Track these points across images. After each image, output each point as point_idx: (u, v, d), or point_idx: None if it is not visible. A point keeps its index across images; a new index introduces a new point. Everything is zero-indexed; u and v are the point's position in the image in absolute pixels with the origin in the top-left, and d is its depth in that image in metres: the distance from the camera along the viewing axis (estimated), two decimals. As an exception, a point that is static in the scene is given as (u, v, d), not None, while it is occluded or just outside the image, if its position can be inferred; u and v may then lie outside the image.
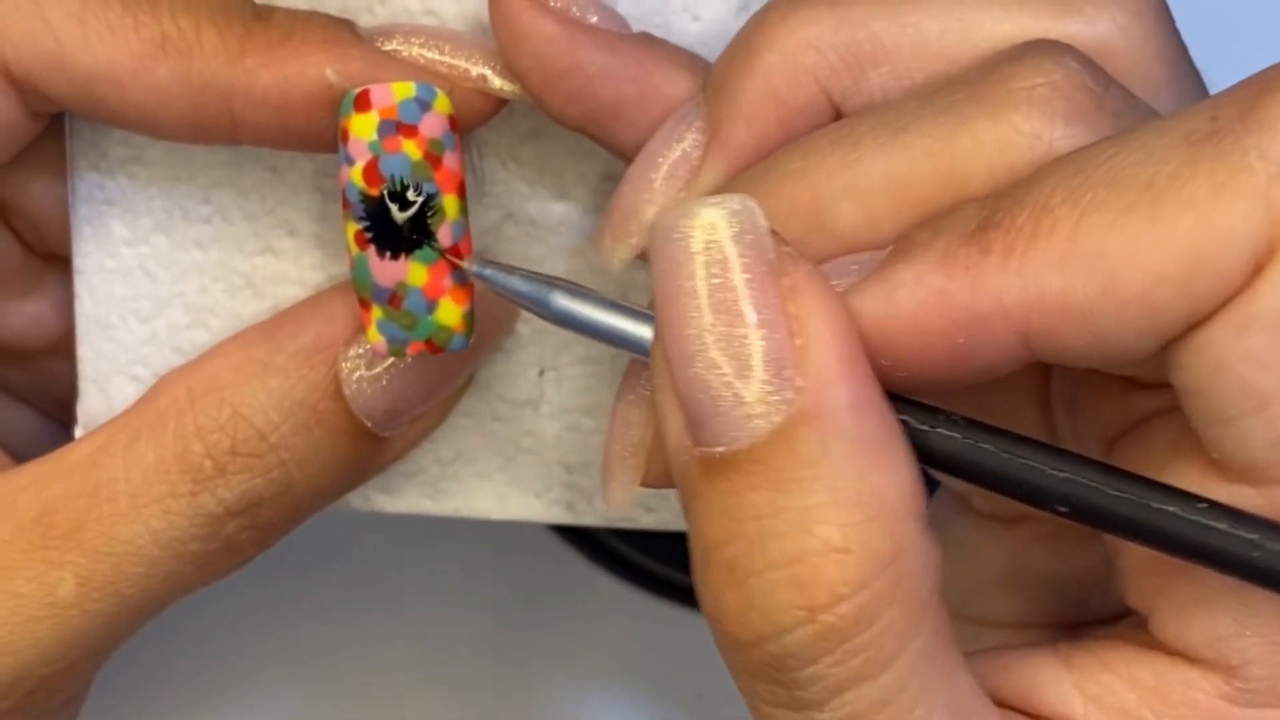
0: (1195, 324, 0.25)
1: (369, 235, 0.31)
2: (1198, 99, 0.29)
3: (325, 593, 0.47)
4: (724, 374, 0.25)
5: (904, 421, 0.26)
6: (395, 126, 0.30)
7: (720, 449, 0.25)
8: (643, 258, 0.31)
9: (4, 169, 0.34)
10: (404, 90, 0.31)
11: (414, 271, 0.31)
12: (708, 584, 0.26)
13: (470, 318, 0.32)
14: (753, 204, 0.26)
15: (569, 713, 0.48)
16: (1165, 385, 0.27)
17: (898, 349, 0.26)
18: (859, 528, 0.25)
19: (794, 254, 0.26)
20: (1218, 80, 0.29)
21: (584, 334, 0.28)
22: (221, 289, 0.35)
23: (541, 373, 0.35)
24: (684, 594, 0.47)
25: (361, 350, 0.33)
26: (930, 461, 0.26)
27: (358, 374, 0.33)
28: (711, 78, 0.31)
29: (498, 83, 0.32)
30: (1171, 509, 0.25)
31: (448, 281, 0.31)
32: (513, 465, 0.36)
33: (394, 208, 0.31)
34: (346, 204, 0.31)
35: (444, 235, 0.31)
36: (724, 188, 0.30)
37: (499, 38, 0.31)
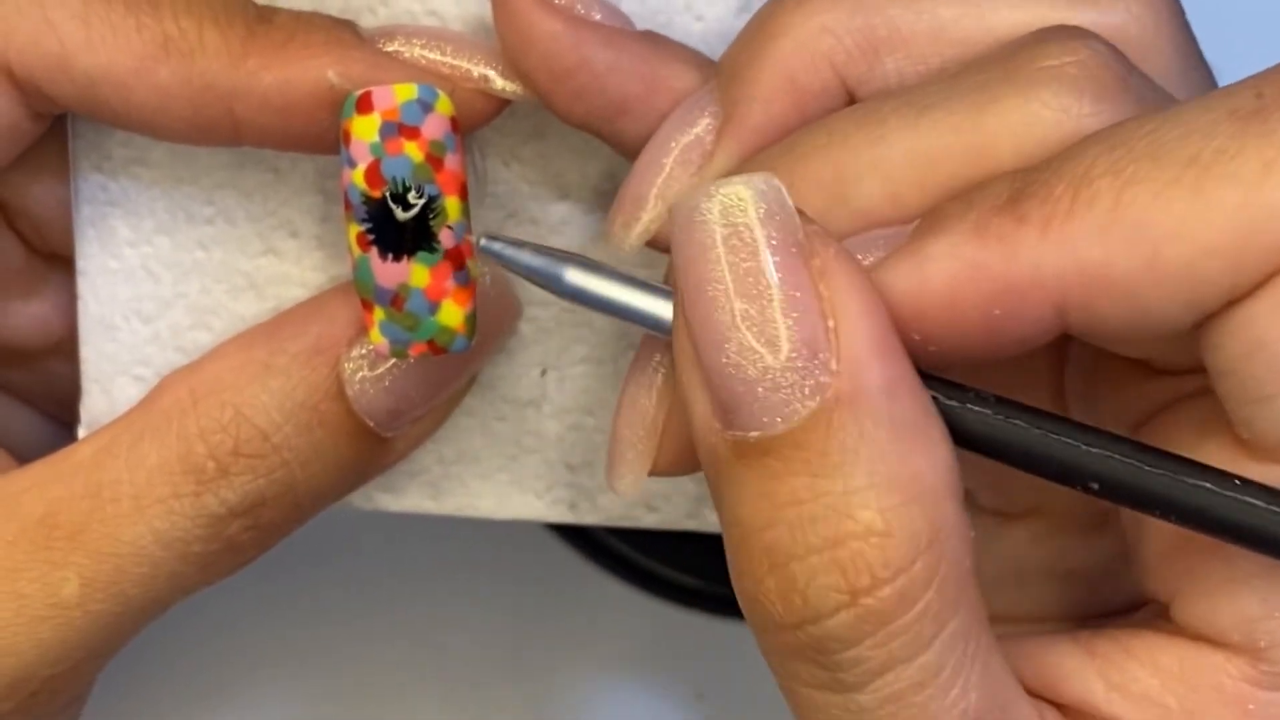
0: (1235, 300, 0.25)
1: (371, 237, 0.31)
2: (1208, 89, 0.30)
3: (325, 593, 0.47)
4: (757, 358, 0.25)
5: (935, 399, 0.26)
6: (397, 128, 0.31)
7: (755, 434, 0.25)
8: (653, 243, 0.31)
9: (6, 170, 0.34)
10: (406, 92, 0.31)
11: (416, 273, 0.31)
12: (747, 568, 0.26)
13: (472, 319, 0.32)
14: (778, 183, 0.25)
15: (569, 712, 0.48)
16: (1184, 371, 0.27)
17: (930, 323, 0.26)
18: (899, 510, 0.25)
19: (822, 233, 0.25)
20: (1224, 75, 0.29)
21: (597, 310, 0.28)
22: (224, 290, 0.35)
23: (544, 372, 0.36)
24: (684, 594, 0.47)
25: (364, 351, 0.33)
26: (962, 440, 0.26)
27: (360, 374, 0.33)
28: (723, 63, 0.31)
29: (500, 83, 0.32)
30: (1207, 485, 0.25)
31: (450, 283, 0.31)
32: (515, 465, 0.36)
33: (396, 209, 0.31)
34: (349, 206, 0.31)
35: (446, 237, 0.31)
36: (739, 170, 0.30)
37: (504, 37, 0.31)
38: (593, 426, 0.36)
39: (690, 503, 0.36)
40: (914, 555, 0.25)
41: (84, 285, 0.35)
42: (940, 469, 0.25)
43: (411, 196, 0.31)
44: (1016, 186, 0.26)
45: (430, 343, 0.32)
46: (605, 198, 0.34)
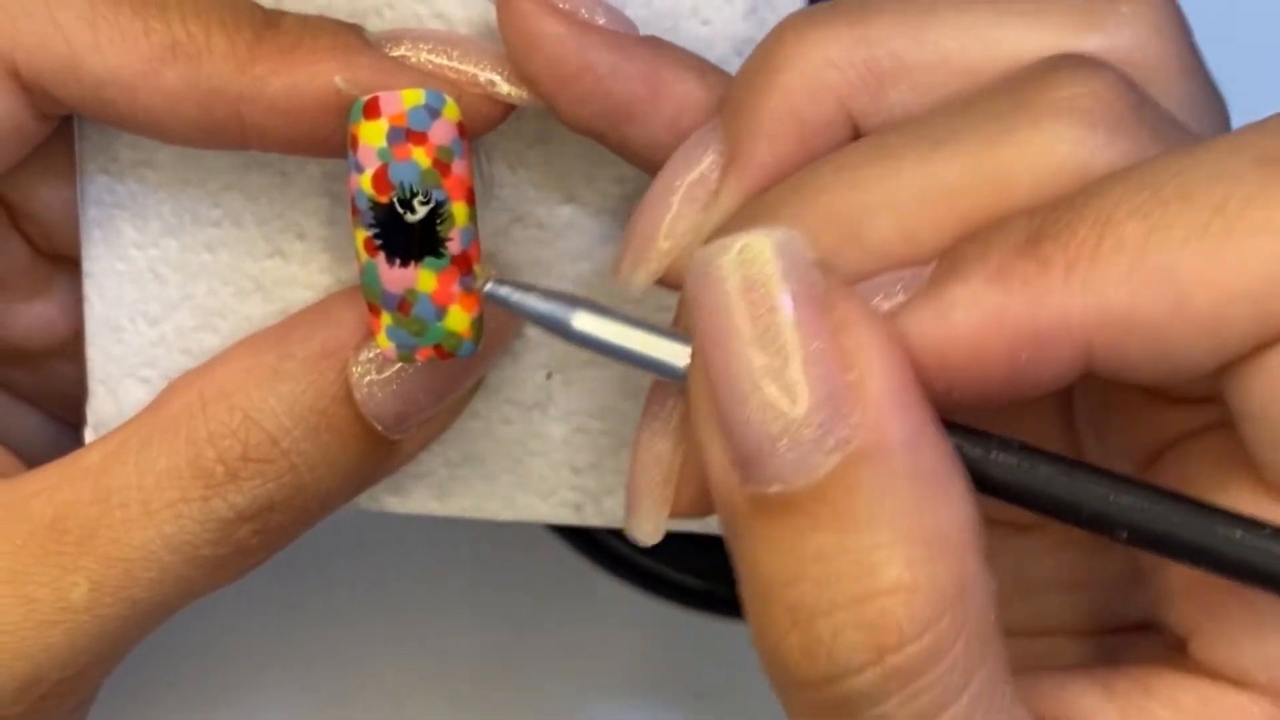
0: (1262, 346, 0.24)
1: (378, 242, 0.31)
2: (1218, 114, 0.29)
3: (325, 593, 0.47)
4: (778, 413, 0.25)
5: (959, 448, 0.26)
6: (405, 134, 0.31)
7: (776, 488, 0.25)
8: (662, 282, 0.31)
9: (13, 172, 0.34)
10: (413, 97, 0.31)
11: (423, 278, 0.31)
12: (769, 624, 0.25)
13: (479, 324, 0.32)
14: (798, 235, 0.25)
15: (569, 712, 0.48)
16: (1202, 401, 0.27)
17: (955, 370, 0.26)
18: (924, 565, 0.24)
19: (841, 285, 0.25)
20: (1228, 88, 0.29)
21: (605, 355, 0.28)
22: (231, 292, 0.35)
23: (549, 375, 0.36)
24: (684, 594, 0.47)
25: (372, 355, 0.33)
26: (986, 488, 0.26)
27: (368, 378, 0.33)
28: (727, 99, 0.31)
29: (506, 88, 0.32)
30: (1238, 534, 0.25)
31: (457, 288, 0.31)
32: (520, 467, 0.36)
33: (403, 215, 0.31)
34: (356, 211, 0.31)
35: (453, 242, 0.31)
36: (744, 207, 0.29)
37: (509, 40, 0.31)
38: (598, 429, 0.36)
39: None
40: (941, 610, 0.24)
41: (90, 287, 0.35)
42: (964, 522, 0.25)
43: (419, 202, 0.31)
44: (1035, 226, 0.26)
45: (437, 347, 0.32)
46: (611, 201, 0.35)
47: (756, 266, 0.25)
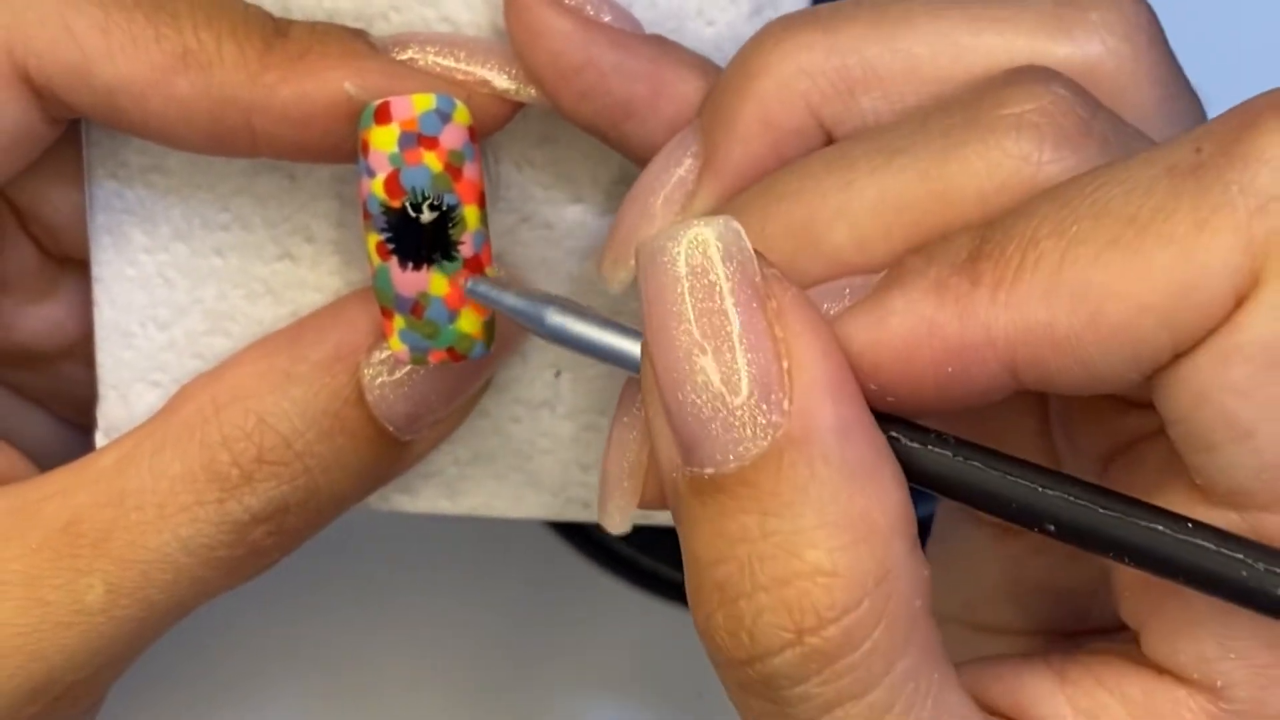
0: (1179, 354, 0.25)
1: (391, 247, 0.31)
2: (1192, 120, 0.30)
3: (325, 593, 0.47)
4: (713, 397, 0.25)
5: (893, 440, 0.26)
6: (416, 139, 0.31)
7: (709, 471, 0.25)
8: None
9: (23, 176, 0.34)
10: (424, 102, 0.31)
11: (436, 281, 0.31)
12: (699, 603, 0.26)
13: (491, 326, 0.32)
14: (737, 226, 0.26)
15: (569, 712, 0.48)
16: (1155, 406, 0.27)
17: (887, 375, 0.26)
18: (847, 551, 0.25)
19: (779, 276, 0.26)
20: (1215, 97, 0.30)
21: (577, 351, 0.29)
22: (241, 295, 0.35)
23: (558, 374, 0.36)
24: (684, 594, 0.47)
25: (383, 356, 0.33)
26: (920, 480, 0.26)
27: (380, 380, 0.33)
28: (707, 102, 0.31)
29: (513, 88, 0.32)
30: (1159, 528, 0.25)
31: None
32: (529, 465, 0.36)
33: (416, 220, 0.31)
34: (367, 215, 0.31)
35: (465, 245, 0.31)
36: (718, 210, 0.30)
37: (514, 35, 0.32)
38: (606, 427, 0.36)
39: None
40: (861, 595, 0.25)
41: (100, 292, 0.35)
42: (891, 510, 0.25)
43: (431, 207, 0.31)
44: (975, 244, 0.26)
45: (450, 350, 0.32)
46: (618, 201, 0.35)
47: (699, 254, 0.26)
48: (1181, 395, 0.25)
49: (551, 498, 0.37)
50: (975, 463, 0.26)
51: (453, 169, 0.31)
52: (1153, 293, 0.24)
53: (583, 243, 0.35)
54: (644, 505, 0.30)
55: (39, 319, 0.37)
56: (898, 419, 0.27)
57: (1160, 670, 0.27)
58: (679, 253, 0.26)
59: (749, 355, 0.25)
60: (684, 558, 0.26)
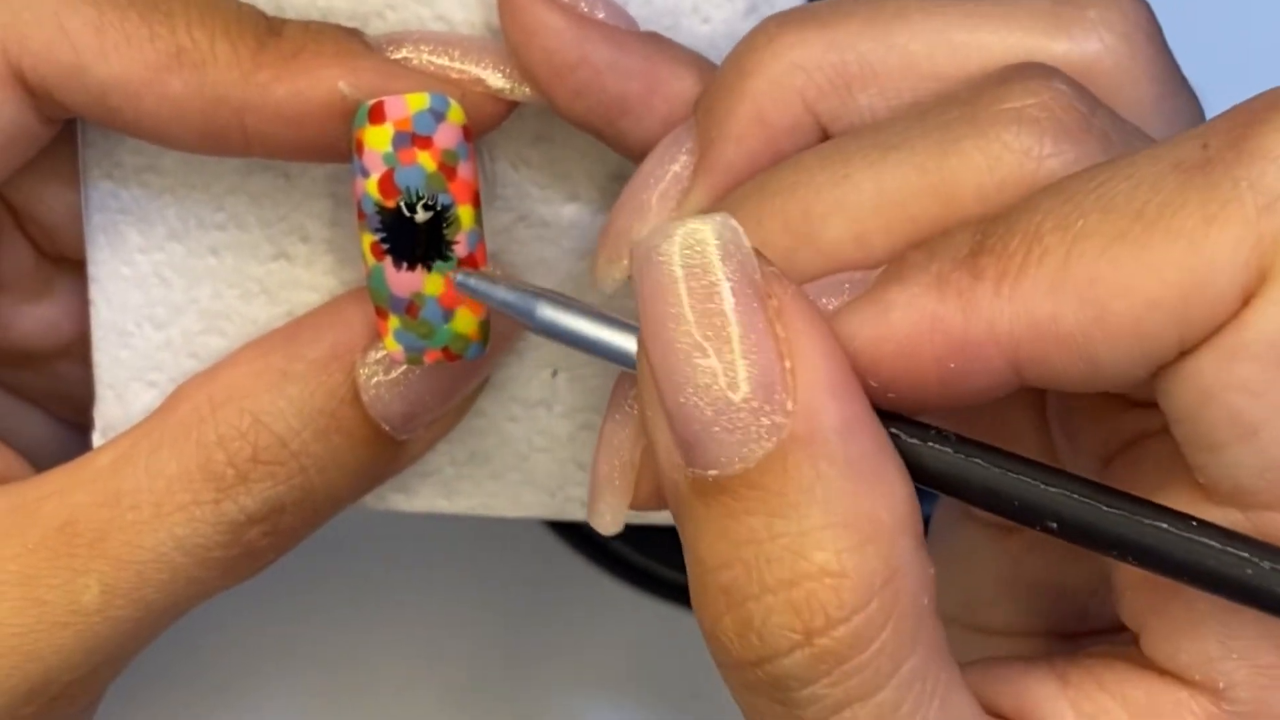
0: (1185, 352, 0.25)
1: (385, 246, 0.31)
2: (1189, 118, 0.30)
3: (322, 593, 0.47)
4: (714, 398, 0.25)
5: (894, 437, 0.26)
6: (410, 138, 0.31)
7: (713, 473, 0.25)
8: None
9: (18, 176, 0.34)
10: (418, 101, 0.31)
11: (430, 281, 0.31)
12: (705, 605, 0.26)
13: (486, 325, 0.32)
14: (735, 224, 0.26)
15: (568, 712, 0.48)
16: (1158, 404, 0.27)
17: (888, 371, 0.26)
18: (854, 551, 0.25)
19: (779, 274, 0.26)
20: (1213, 96, 0.29)
21: (569, 345, 0.28)
22: (236, 294, 0.35)
23: (555, 373, 0.36)
24: (684, 594, 0.46)
25: (379, 356, 0.33)
26: (922, 478, 0.26)
27: (376, 380, 0.33)
28: (701, 99, 0.31)
29: (508, 86, 0.32)
30: (1163, 526, 0.25)
31: None
32: (526, 464, 0.36)
33: (410, 219, 0.31)
34: (362, 215, 0.31)
35: (460, 245, 0.31)
36: (713, 207, 0.30)
37: (508, 33, 0.32)
38: (603, 426, 0.36)
39: None
40: (869, 595, 0.25)
41: (96, 292, 0.35)
42: (897, 508, 0.25)
43: (425, 206, 0.31)
44: (977, 239, 0.26)
45: (445, 349, 0.32)
46: (614, 199, 0.35)
47: (697, 252, 0.25)
48: (1186, 393, 0.25)
49: (549, 497, 0.37)
50: (977, 459, 0.26)
51: (447, 168, 0.31)
52: (1160, 288, 0.24)
53: (579, 241, 0.35)
54: (636, 506, 0.30)
55: (35, 319, 0.37)
56: (898, 416, 0.27)
57: (1162, 672, 0.27)
58: (675, 251, 0.25)
59: (751, 355, 0.25)
60: (687, 560, 0.26)
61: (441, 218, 0.31)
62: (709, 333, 0.25)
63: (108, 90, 0.31)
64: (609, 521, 0.30)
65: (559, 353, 0.36)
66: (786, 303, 0.25)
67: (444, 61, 0.32)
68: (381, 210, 0.31)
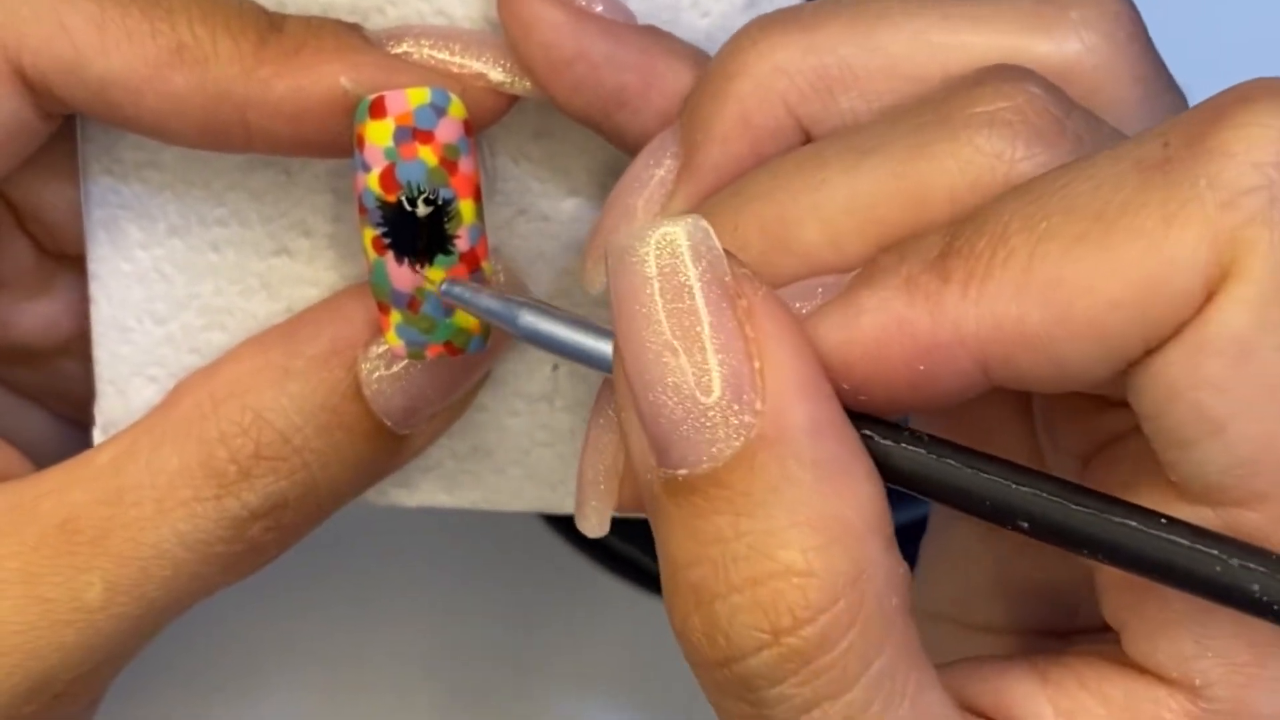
0: (1151, 350, 0.25)
1: (387, 241, 0.31)
2: (1175, 114, 0.30)
3: (319, 590, 0.47)
4: (684, 398, 0.25)
5: (867, 438, 0.26)
6: (411, 133, 0.31)
7: (683, 472, 0.25)
8: None
9: (18, 173, 0.34)
10: (419, 96, 0.31)
11: (433, 276, 0.31)
12: (675, 605, 0.26)
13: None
14: (706, 225, 0.26)
15: (568, 711, 0.48)
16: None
17: (859, 374, 0.26)
18: (821, 551, 0.25)
19: (750, 276, 0.26)
20: (1201, 96, 0.29)
21: (550, 351, 0.29)
22: (237, 290, 0.35)
23: (555, 367, 0.36)
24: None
25: (380, 351, 0.33)
26: (894, 478, 0.26)
27: (377, 374, 0.33)
28: (687, 103, 0.31)
29: (509, 80, 0.32)
30: (1133, 524, 0.25)
31: None
32: (528, 459, 0.36)
33: (412, 214, 0.31)
34: (363, 210, 0.31)
35: (461, 239, 0.31)
36: (695, 210, 0.30)
37: (507, 27, 0.32)
38: (604, 420, 0.36)
39: None
40: (836, 595, 0.25)
41: (96, 288, 0.35)
42: (866, 509, 0.25)
43: (427, 201, 0.31)
44: (946, 242, 0.26)
45: (447, 344, 0.32)
46: (614, 193, 0.35)
47: (669, 254, 0.25)
48: (1153, 391, 0.25)
49: (550, 491, 0.37)
50: (949, 460, 0.26)
51: (448, 163, 0.31)
52: (1122, 287, 0.24)
53: (579, 235, 0.35)
54: (620, 509, 0.30)
55: (35, 315, 0.37)
56: (871, 418, 0.27)
57: (1141, 670, 0.27)
58: (648, 253, 0.25)
59: (720, 356, 0.25)
60: (660, 559, 0.26)
61: (443, 212, 0.31)
62: (679, 333, 0.25)
63: (108, 86, 0.31)
64: (595, 524, 0.30)
65: (560, 347, 0.36)
66: (756, 304, 0.25)
67: (445, 56, 0.32)
68: (383, 205, 0.31)
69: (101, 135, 0.34)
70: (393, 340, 0.32)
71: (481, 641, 0.48)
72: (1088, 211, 0.25)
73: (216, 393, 0.33)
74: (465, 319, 0.32)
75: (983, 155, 0.27)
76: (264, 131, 0.32)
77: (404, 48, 0.32)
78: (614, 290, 0.26)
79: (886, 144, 0.28)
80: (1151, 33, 0.30)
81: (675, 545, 0.26)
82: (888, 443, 0.26)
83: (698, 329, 0.25)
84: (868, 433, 0.26)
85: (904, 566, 0.26)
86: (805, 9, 0.30)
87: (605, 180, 0.35)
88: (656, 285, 0.25)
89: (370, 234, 0.31)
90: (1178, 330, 0.25)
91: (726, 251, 0.26)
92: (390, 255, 0.31)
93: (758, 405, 0.25)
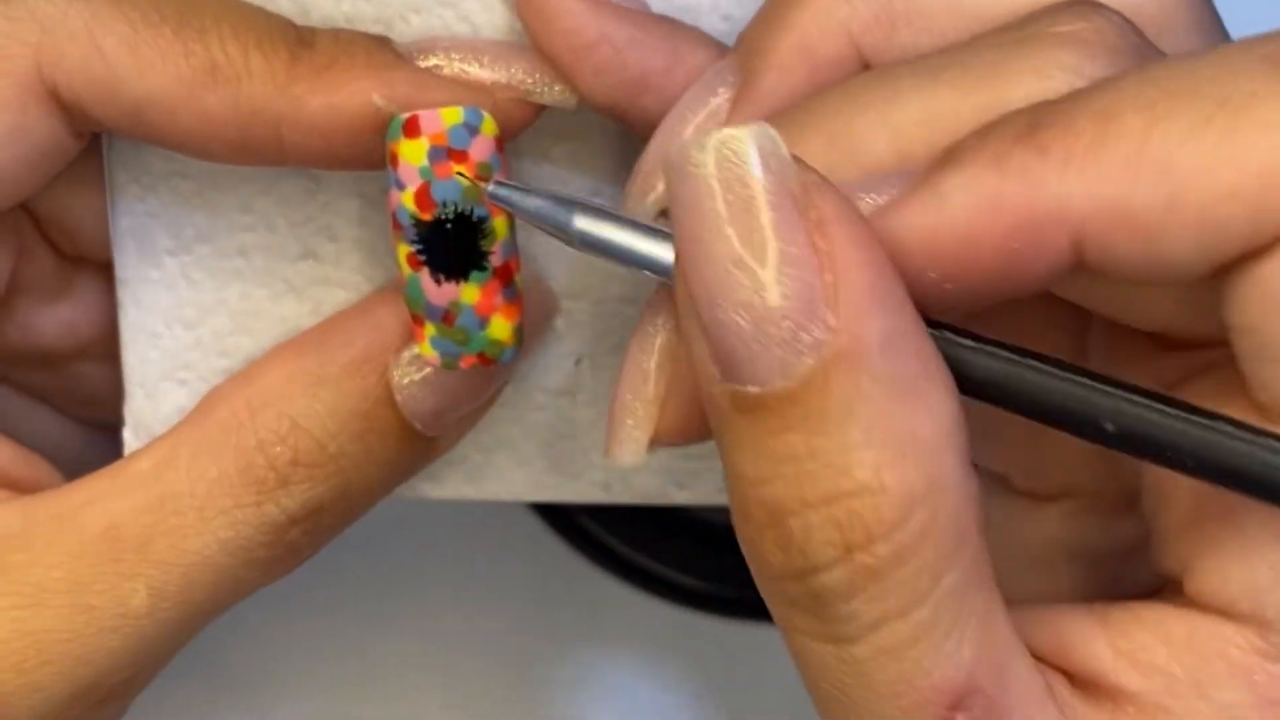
0: (1255, 253, 0.24)
1: (422, 259, 0.32)
2: None
3: (325, 593, 0.47)
4: (753, 313, 0.24)
5: (943, 345, 0.26)
6: (446, 152, 0.31)
7: (754, 388, 0.25)
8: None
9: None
10: (453, 116, 0.31)
11: (467, 291, 0.32)
12: (746, 519, 0.26)
13: (520, 330, 0.33)
14: (772, 131, 0.25)
15: (569, 712, 0.48)
16: (1200, 345, 0.27)
17: (947, 260, 0.26)
18: (894, 467, 0.25)
19: (819, 182, 0.25)
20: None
21: (606, 257, 0.28)
22: (265, 294, 0.36)
23: (578, 361, 0.36)
24: (684, 594, 0.47)
25: (411, 355, 0.33)
26: (972, 389, 0.26)
27: (408, 380, 0.33)
28: (742, 36, 0.31)
29: (538, 90, 0.32)
30: (1224, 428, 0.24)
31: (499, 299, 0.32)
32: (551, 452, 0.37)
33: (447, 232, 0.31)
34: (398, 226, 0.32)
35: (495, 255, 0.32)
36: None
37: (528, 20, 0.32)
38: (627, 413, 0.37)
39: (720, 478, 0.37)
40: (909, 511, 0.25)
41: (124, 294, 0.36)
42: (941, 424, 0.25)
43: (461, 218, 0.31)
44: (1035, 118, 0.26)
45: (480, 355, 0.32)
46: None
47: (733, 162, 0.25)
48: (1255, 299, 0.24)
49: (572, 481, 0.37)
50: (1029, 364, 0.25)
51: (482, 181, 0.31)
52: (1242, 177, 0.24)
53: (601, 236, 0.35)
54: (657, 440, 0.30)
55: (54, 320, 0.38)
56: (945, 325, 0.26)
57: (1205, 608, 0.27)
58: (712, 160, 0.25)
59: (791, 270, 0.24)
60: (727, 473, 0.26)
61: (477, 230, 0.32)
62: (747, 245, 0.24)
63: (143, 107, 0.32)
64: (629, 451, 0.30)
65: (583, 343, 0.36)
66: (828, 213, 0.25)
67: (474, 69, 0.32)
68: (418, 223, 0.31)
69: (127, 146, 0.35)
70: (427, 351, 0.32)
71: (483, 644, 0.48)
72: (1211, 97, 0.24)
73: (253, 401, 0.33)
74: (499, 330, 0.32)
75: (1062, 70, 0.27)
76: (297, 147, 0.32)
77: (434, 61, 0.32)
78: (675, 201, 0.25)
79: (962, 63, 0.27)
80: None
81: (746, 461, 0.25)
82: (966, 347, 0.26)
83: (766, 242, 0.24)
84: (944, 337, 0.26)
85: (977, 483, 0.26)
86: None
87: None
88: (721, 196, 0.25)
89: (405, 250, 0.32)
90: None
91: (795, 157, 0.25)
92: (425, 272, 0.32)
93: (831, 321, 0.24)
